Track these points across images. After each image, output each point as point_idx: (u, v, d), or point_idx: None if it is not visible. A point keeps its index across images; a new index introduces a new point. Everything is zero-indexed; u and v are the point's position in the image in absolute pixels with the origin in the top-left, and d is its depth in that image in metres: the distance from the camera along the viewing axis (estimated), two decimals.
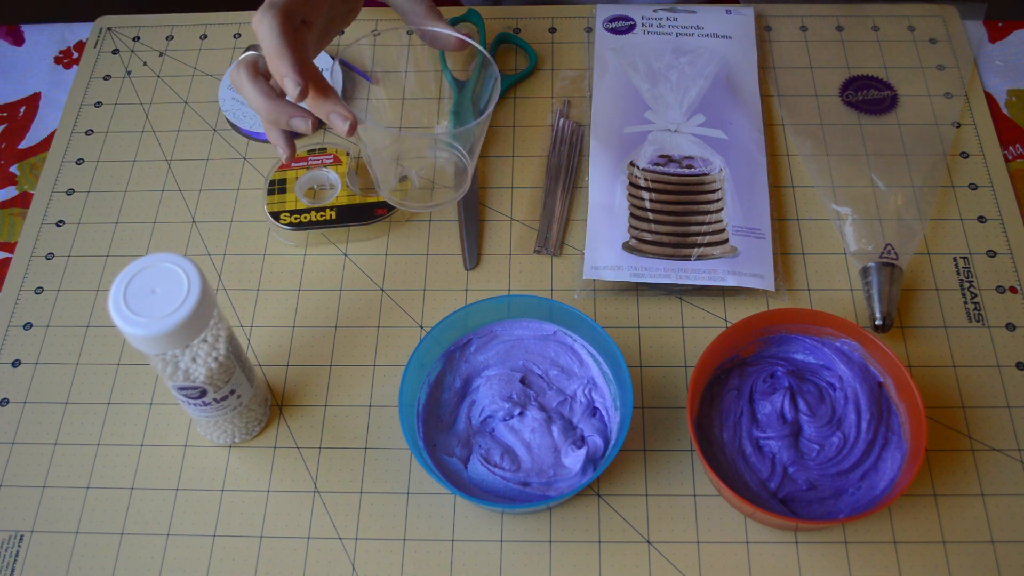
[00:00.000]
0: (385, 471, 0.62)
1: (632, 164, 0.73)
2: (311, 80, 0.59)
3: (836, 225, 0.71)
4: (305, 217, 0.70)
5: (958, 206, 0.72)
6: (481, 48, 0.66)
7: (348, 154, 0.74)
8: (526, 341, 0.64)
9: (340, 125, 0.60)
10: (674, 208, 0.70)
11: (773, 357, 0.63)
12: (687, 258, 0.68)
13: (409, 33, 0.83)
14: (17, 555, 0.60)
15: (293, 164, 0.73)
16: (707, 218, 0.70)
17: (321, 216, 0.70)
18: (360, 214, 0.71)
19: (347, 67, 0.80)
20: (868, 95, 0.78)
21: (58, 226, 0.74)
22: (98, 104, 0.81)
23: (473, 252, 0.71)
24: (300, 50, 0.59)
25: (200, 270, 0.52)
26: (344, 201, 0.71)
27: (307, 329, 0.68)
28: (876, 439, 0.58)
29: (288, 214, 0.71)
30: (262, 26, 0.58)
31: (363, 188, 0.73)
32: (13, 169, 0.78)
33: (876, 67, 0.80)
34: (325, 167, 0.73)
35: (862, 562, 0.58)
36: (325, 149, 0.74)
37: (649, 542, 0.59)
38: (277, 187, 0.72)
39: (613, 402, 0.61)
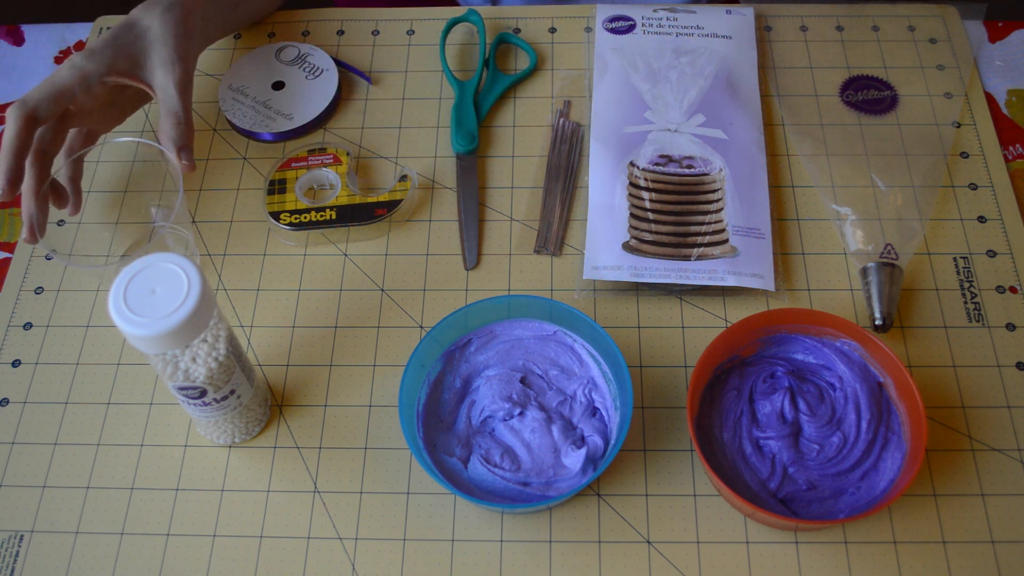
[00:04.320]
0: (385, 471, 0.62)
1: (632, 164, 0.72)
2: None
3: (836, 225, 0.71)
4: (305, 217, 0.70)
5: (958, 206, 0.72)
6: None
7: (348, 154, 0.74)
8: (526, 341, 0.64)
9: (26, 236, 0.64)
10: (674, 208, 0.70)
11: (773, 357, 0.63)
12: (687, 258, 0.68)
13: (409, 33, 0.83)
14: (17, 555, 0.60)
15: (293, 164, 0.73)
16: (707, 218, 0.70)
17: (321, 216, 0.70)
18: (360, 214, 0.71)
19: (346, 68, 0.80)
20: (868, 95, 0.78)
21: (58, 226, 0.74)
22: None
23: (473, 252, 0.71)
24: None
25: (200, 270, 0.52)
26: (344, 201, 0.71)
27: (307, 329, 0.68)
28: (876, 439, 0.58)
29: (288, 214, 0.71)
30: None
31: (363, 188, 0.73)
32: None
33: (876, 67, 0.80)
34: (325, 167, 0.73)
35: (862, 562, 0.58)
36: (325, 149, 0.74)
37: (649, 542, 0.59)
38: (277, 187, 0.72)
39: (613, 402, 0.61)
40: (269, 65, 0.80)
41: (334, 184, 0.73)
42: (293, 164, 0.73)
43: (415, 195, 0.73)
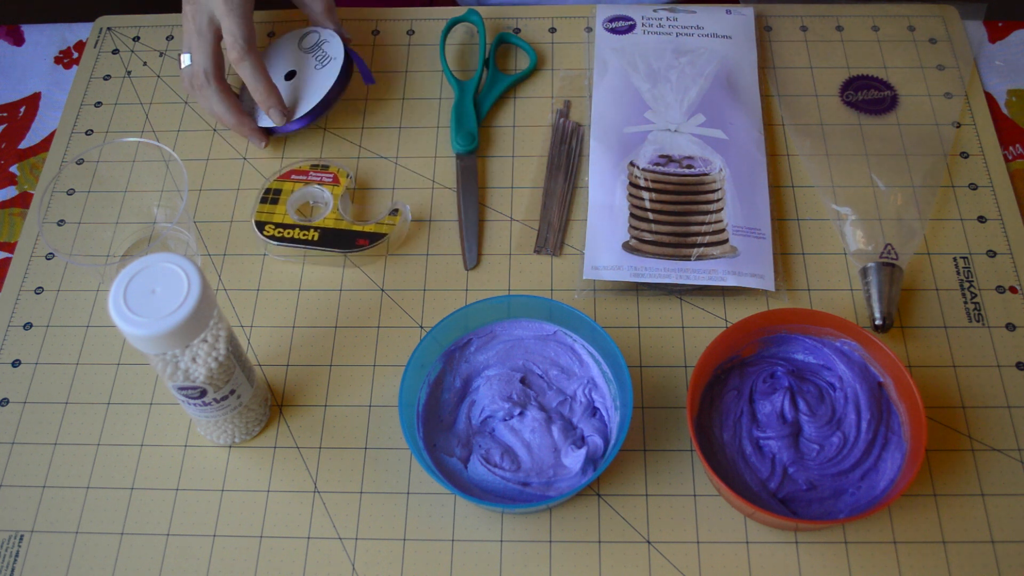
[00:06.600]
0: (385, 471, 0.62)
1: (632, 164, 0.73)
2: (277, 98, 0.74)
3: (836, 225, 0.71)
4: (288, 233, 0.70)
5: (958, 206, 0.72)
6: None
7: (348, 176, 0.73)
8: (526, 341, 0.64)
9: (278, 119, 0.75)
10: (674, 208, 0.70)
11: (773, 357, 0.63)
12: (687, 258, 0.68)
13: (409, 33, 0.83)
14: (17, 555, 0.60)
15: (293, 176, 0.73)
16: (707, 218, 0.70)
17: (304, 235, 0.69)
18: (341, 240, 0.69)
19: (354, 58, 0.78)
20: (868, 95, 0.78)
21: (59, 226, 0.74)
22: (98, 104, 0.81)
23: (473, 252, 0.71)
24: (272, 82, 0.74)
25: (200, 270, 0.52)
26: (331, 224, 0.70)
27: (307, 329, 0.68)
28: (876, 439, 0.58)
29: (273, 226, 0.70)
30: (245, 67, 0.72)
31: (355, 216, 0.73)
32: (13, 169, 0.78)
33: (876, 67, 0.80)
34: (322, 185, 0.72)
35: (862, 562, 0.58)
36: (327, 166, 0.73)
37: (649, 542, 0.59)
38: (271, 196, 0.72)
39: (613, 402, 0.61)
40: (291, 52, 0.78)
41: (327, 204, 0.72)
42: (293, 176, 0.73)
43: (404, 229, 0.71)
